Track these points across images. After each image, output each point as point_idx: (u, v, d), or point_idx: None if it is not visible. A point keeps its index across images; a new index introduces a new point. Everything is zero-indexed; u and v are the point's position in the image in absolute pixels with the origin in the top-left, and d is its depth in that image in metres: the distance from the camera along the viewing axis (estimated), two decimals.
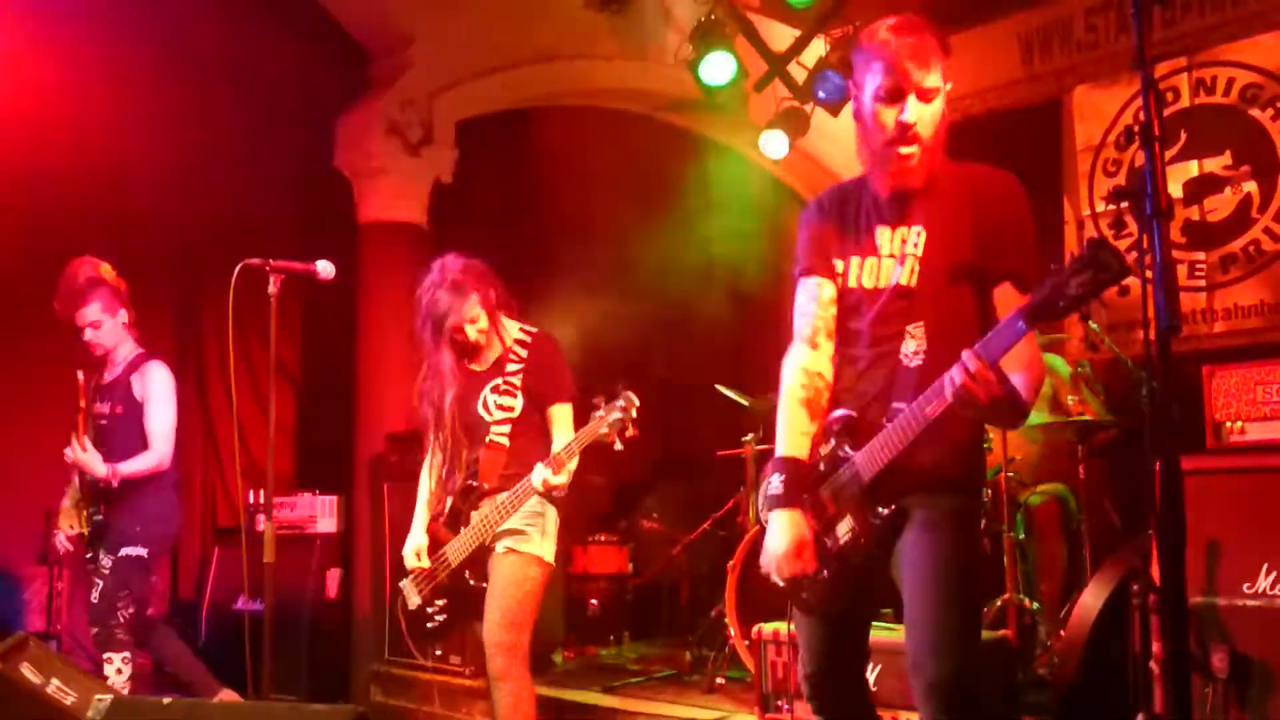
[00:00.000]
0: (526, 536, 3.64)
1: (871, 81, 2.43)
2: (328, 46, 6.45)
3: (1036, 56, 6.19)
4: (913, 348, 2.43)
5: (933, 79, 2.41)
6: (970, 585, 2.46)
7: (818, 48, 6.23)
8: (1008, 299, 2.42)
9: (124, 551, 4.66)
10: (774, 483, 2.48)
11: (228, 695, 4.92)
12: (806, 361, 2.56)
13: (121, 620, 4.60)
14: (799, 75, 6.26)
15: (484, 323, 3.78)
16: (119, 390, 4.78)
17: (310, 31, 6.36)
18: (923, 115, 2.41)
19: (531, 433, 3.73)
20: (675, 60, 6.25)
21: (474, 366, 3.86)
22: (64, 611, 5.62)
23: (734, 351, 7.50)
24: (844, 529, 2.45)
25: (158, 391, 4.79)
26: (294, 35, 6.35)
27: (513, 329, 3.88)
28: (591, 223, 7.16)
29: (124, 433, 4.73)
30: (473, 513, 3.73)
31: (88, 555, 4.75)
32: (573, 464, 3.58)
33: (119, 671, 4.52)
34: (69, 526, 4.78)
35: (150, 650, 4.95)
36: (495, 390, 3.78)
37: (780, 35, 6.40)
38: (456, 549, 3.76)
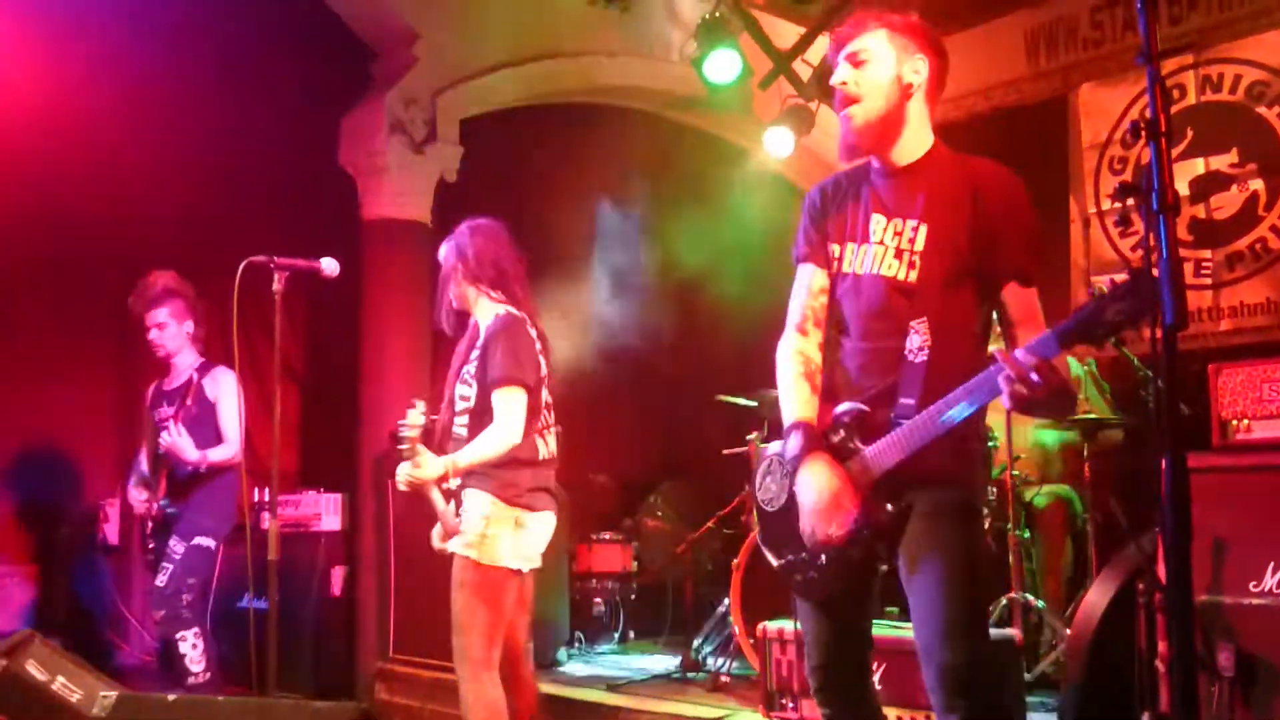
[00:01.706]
0: (466, 538, 3.46)
1: None
2: (332, 44, 6.45)
3: (1042, 54, 6.18)
4: (917, 343, 2.43)
5: (860, 43, 2.54)
6: (976, 573, 2.46)
7: (822, 45, 6.21)
8: (1016, 297, 2.45)
9: (196, 540, 4.90)
10: (792, 442, 2.49)
11: None
12: (798, 345, 2.63)
13: (185, 602, 4.84)
14: (804, 73, 6.25)
15: (457, 288, 3.68)
16: (189, 392, 5.07)
17: (314, 29, 6.36)
18: (856, 77, 2.53)
19: (487, 424, 3.51)
20: (680, 57, 6.24)
21: (459, 350, 3.69)
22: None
23: (739, 349, 7.49)
24: None
25: (230, 390, 5.09)
26: (298, 33, 6.35)
27: (491, 310, 3.65)
28: (595, 221, 7.16)
29: (196, 431, 4.96)
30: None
31: (151, 546, 4.98)
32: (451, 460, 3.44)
33: (194, 646, 4.80)
34: (139, 499, 5.03)
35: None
36: (460, 379, 3.63)
37: (785, 32, 6.39)
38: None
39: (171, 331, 5.09)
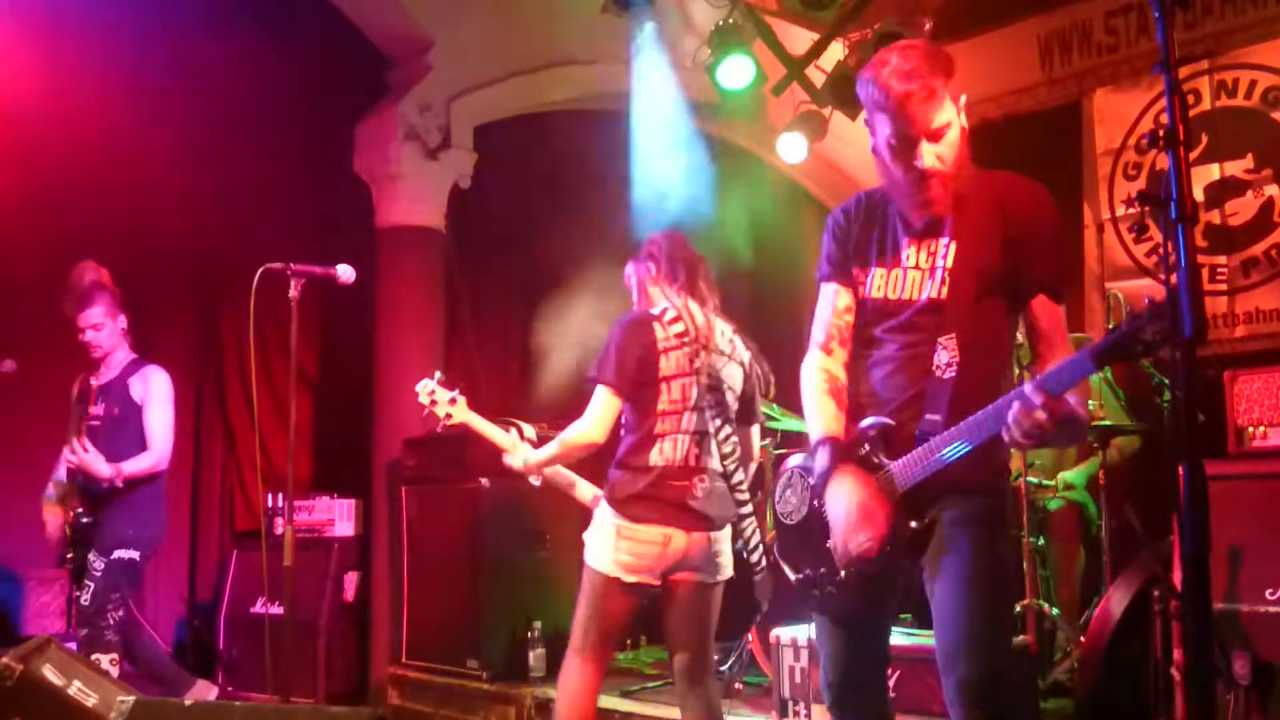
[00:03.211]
0: (587, 542, 3.47)
1: (881, 127, 2.43)
2: (347, 52, 6.48)
3: (1056, 59, 6.17)
4: (945, 359, 2.42)
5: (942, 116, 2.38)
6: (1000, 585, 2.46)
7: (836, 51, 6.22)
8: (1045, 312, 2.45)
9: (117, 554, 4.71)
10: (820, 458, 2.47)
11: (203, 687, 4.94)
12: (823, 363, 2.60)
13: (111, 622, 4.64)
14: (817, 79, 6.25)
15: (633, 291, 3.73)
16: (115, 392, 4.86)
17: (330, 37, 6.39)
18: (939, 152, 2.40)
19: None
20: (693, 64, 6.24)
21: None
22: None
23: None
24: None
25: (157, 394, 4.88)
26: (314, 41, 6.38)
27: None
28: (609, 227, 7.16)
29: (120, 434, 4.79)
30: None
31: (69, 555, 4.77)
32: (529, 453, 3.57)
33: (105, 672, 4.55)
34: (52, 518, 4.82)
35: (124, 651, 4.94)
36: None
37: (798, 39, 6.39)
38: None
39: (107, 330, 4.87)
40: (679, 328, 3.47)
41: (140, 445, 4.82)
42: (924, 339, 2.45)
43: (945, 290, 2.45)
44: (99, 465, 4.64)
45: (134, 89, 5.66)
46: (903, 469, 2.40)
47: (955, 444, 2.29)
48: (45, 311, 5.73)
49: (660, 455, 3.38)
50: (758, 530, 3.57)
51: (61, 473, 4.89)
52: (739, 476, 3.51)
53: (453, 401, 3.73)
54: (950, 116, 2.40)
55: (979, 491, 2.43)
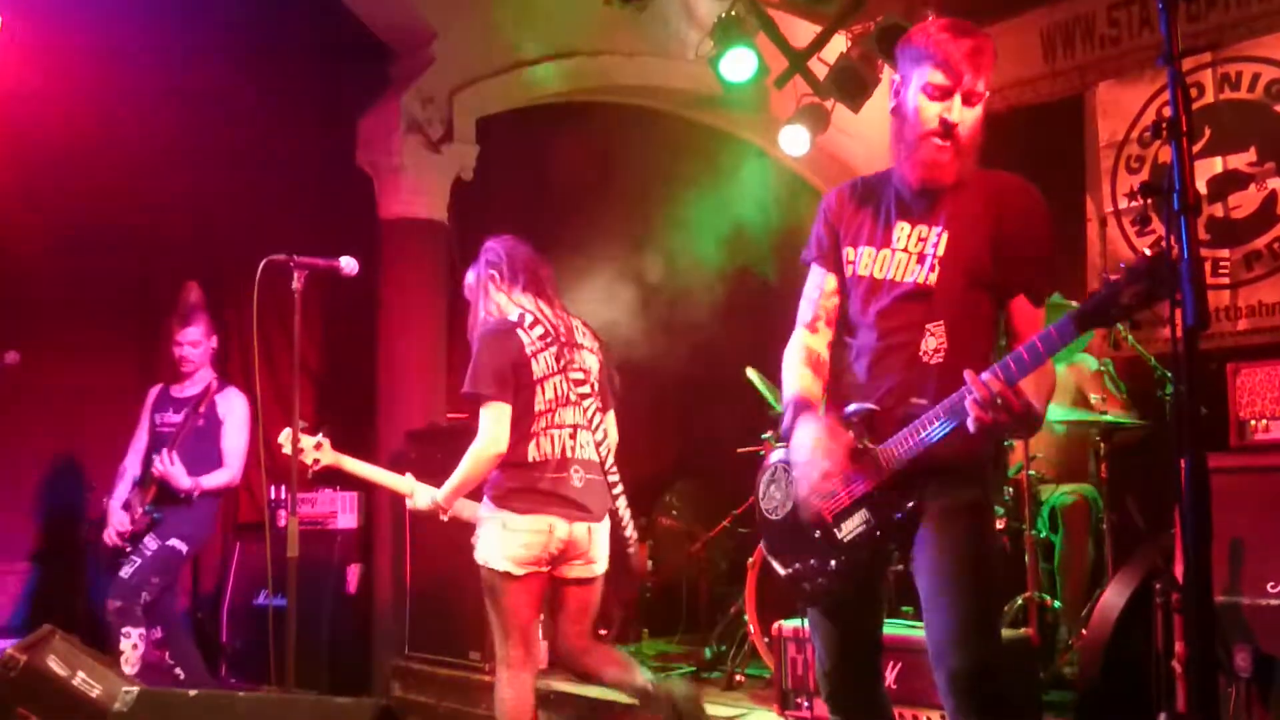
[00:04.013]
0: (476, 545, 3.57)
1: (920, 77, 2.45)
2: (350, 44, 6.47)
3: (1059, 52, 6.16)
4: (933, 345, 2.44)
5: (981, 84, 2.44)
6: (988, 575, 2.47)
7: (839, 43, 6.21)
8: (1024, 314, 2.48)
9: (171, 542, 4.95)
10: (787, 416, 2.55)
11: None
12: (806, 340, 2.65)
13: (144, 600, 4.84)
14: (819, 71, 6.25)
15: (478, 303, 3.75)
16: (199, 405, 5.11)
17: (332, 29, 6.38)
18: (965, 117, 2.44)
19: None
20: (696, 56, 6.24)
21: None
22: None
23: (754, 348, 7.49)
24: (858, 520, 2.46)
25: (239, 416, 5.19)
26: (316, 33, 6.37)
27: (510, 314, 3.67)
28: (612, 219, 7.17)
29: (197, 445, 5.06)
30: None
31: (128, 551, 4.97)
32: (434, 490, 3.65)
33: (135, 646, 4.76)
34: (121, 525, 5.01)
35: (166, 642, 5.10)
36: None
37: (801, 31, 6.38)
38: None
39: (202, 349, 5.20)
40: (539, 330, 3.61)
41: (211, 457, 5.09)
42: (910, 324, 2.47)
43: (935, 277, 2.47)
44: (182, 479, 4.92)
45: (136, 82, 5.66)
46: (888, 450, 2.41)
47: (939, 423, 2.31)
48: (52, 306, 5.75)
49: (537, 450, 3.53)
50: (628, 508, 3.80)
51: (135, 474, 5.13)
52: (610, 460, 3.71)
53: (319, 446, 3.80)
54: (984, 91, 2.46)
55: (966, 480, 2.44)
